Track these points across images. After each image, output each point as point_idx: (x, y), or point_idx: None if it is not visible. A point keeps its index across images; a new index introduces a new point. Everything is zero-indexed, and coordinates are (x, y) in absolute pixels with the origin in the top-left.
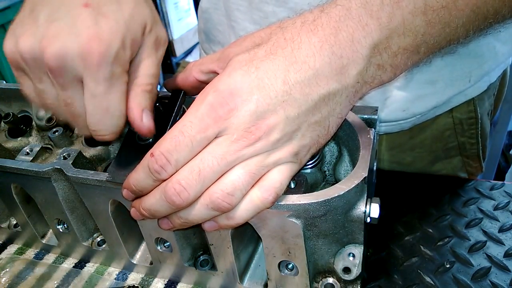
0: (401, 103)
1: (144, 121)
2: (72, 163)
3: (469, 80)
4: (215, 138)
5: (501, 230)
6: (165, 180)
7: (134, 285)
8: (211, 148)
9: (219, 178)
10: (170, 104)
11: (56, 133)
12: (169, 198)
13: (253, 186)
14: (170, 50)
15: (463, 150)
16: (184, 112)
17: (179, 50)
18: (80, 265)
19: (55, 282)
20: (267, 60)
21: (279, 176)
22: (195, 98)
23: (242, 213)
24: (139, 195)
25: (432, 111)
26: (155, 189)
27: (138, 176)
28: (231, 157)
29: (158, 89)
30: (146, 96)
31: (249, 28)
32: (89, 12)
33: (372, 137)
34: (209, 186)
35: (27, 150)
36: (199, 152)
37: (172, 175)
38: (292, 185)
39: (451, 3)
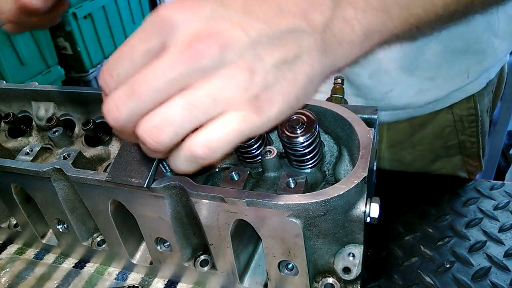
0: (401, 97)
1: None
2: (72, 163)
3: (467, 76)
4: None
5: (501, 230)
6: None
7: (134, 285)
8: (152, 64)
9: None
10: None
11: (56, 133)
12: (105, 116)
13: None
14: None
15: (464, 149)
16: None
17: None
18: (80, 265)
19: (55, 282)
20: None
21: (223, 130)
22: None
23: (176, 161)
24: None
25: (431, 105)
26: None
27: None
28: (173, 72)
29: None
30: None
31: None
32: None
33: (372, 137)
34: (147, 109)
35: (27, 150)
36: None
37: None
38: (292, 185)
39: None
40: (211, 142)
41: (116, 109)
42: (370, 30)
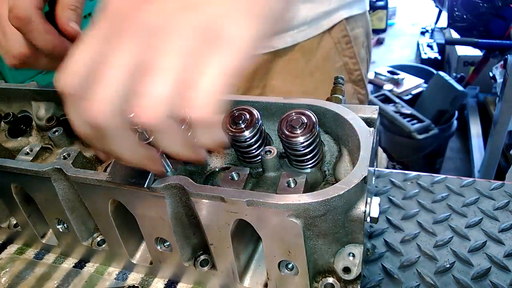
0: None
1: (71, 26)
2: (72, 163)
3: (329, 4)
4: None
5: (501, 230)
6: None
7: (134, 285)
8: None
9: None
10: None
11: (56, 133)
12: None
13: None
14: None
15: (350, 73)
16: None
17: None
18: (80, 265)
19: (55, 282)
20: None
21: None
22: None
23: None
24: None
25: (309, 28)
26: None
27: None
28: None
29: None
30: (71, 12)
31: None
32: None
33: (372, 137)
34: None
35: (27, 150)
36: None
37: None
38: (292, 185)
39: None
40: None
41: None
42: None
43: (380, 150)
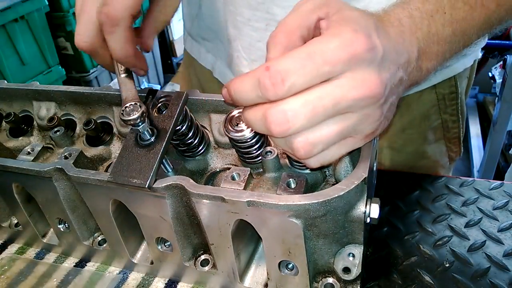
0: None
1: (151, 41)
2: (73, 163)
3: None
4: (335, 77)
5: (500, 229)
6: (269, 102)
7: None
8: (330, 88)
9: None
10: (173, 104)
11: (58, 132)
12: (268, 125)
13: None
14: (170, 50)
15: (446, 131)
16: (186, 113)
17: (179, 51)
18: (81, 264)
19: (56, 281)
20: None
21: (338, 152)
22: (197, 99)
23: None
24: (236, 103)
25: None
26: (258, 107)
27: (242, 85)
28: (346, 103)
29: (159, 89)
30: (155, 30)
31: (245, 14)
32: None
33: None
34: (312, 126)
35: (29, 150)
36: (315, 86)
37: (279, 99)
38: (293, 185)
39: (469, 15)
40: (327, 158)
41: (287, 122)
42: (430, 71)
43: None
